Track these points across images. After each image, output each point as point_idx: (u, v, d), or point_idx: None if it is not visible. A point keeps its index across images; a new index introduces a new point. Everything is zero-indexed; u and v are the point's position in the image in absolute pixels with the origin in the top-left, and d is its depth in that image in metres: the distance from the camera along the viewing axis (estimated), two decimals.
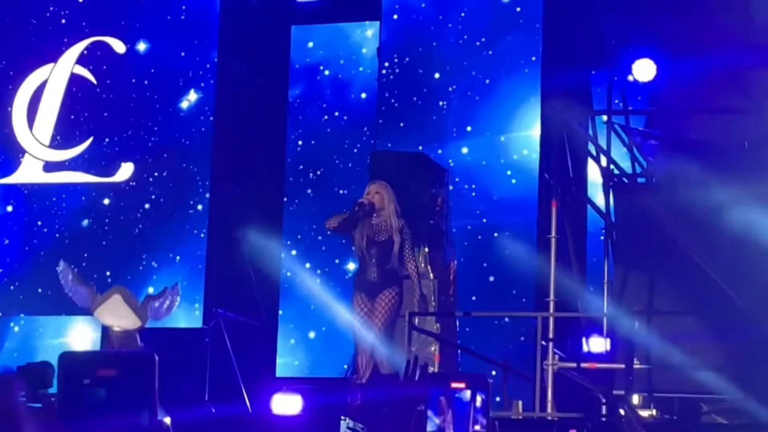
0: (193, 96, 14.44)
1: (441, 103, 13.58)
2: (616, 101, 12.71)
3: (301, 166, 14.67)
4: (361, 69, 14.66)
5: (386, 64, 13.79)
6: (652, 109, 12.65)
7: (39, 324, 12.98)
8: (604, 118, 12.31)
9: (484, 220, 13.17)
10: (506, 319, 12.39)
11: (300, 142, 14.74)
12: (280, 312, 14.20)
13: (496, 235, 13.13)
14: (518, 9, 13.41)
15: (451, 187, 12.92)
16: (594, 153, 12.43)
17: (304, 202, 14.56)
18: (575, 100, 12.43)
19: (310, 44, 14.80)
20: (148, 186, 14.33)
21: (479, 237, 13.18)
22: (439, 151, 13.34)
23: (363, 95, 14.58)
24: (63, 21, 14.86)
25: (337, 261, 14.12)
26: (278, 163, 14.65)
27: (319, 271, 14.08)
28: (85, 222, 14.37)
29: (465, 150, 13.40)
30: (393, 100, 13.77)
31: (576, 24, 12.66)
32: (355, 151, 14.29)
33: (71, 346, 12.46)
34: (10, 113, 14.79)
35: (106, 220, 14.36)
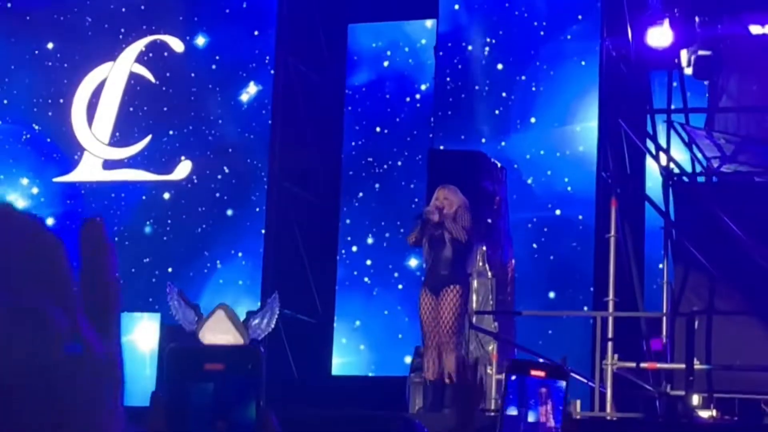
0: (252, 89, 14.50)
1: (503, 94, 13.56)
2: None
3: (369, 158, 14.58)
4: (422, 60, 14.59)
5: (457, 49, 13.67)
6: (712, 107, 12.57)
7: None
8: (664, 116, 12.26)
9: (558, 212, 13.13)
10: (591, 320, 12.29)
11: (360, 138, 14.71)
12: (357, 323, 14.14)
13: (563, 228, 13.12)
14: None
15: (529, 180, 12.90)
16: (653, 151, 12.38)
17: (366, 197, 14.52)
18: (634, 98, 12.39)
19: (370, 35, 14.76)
20: (209, 182, 14.41)
21: (545, 229, 13.17)
22: (503, 144, 13.34)
23: (424, 87, 14.49)
24: (120, 17, 14.97)
25: (397, 259, 14.13)
26: (337, 157, 14.64)
27: (392, 270, 14.03)
28: (146, 220, 14.47)
29: (530, 142, 13.37)
30: (456, 92, 13.72)
31: (633, 20, 12.60)
32: (432, 138, 14.05)
33: (136, 343, 12.57)
34: (69, 111, 14.92)
35: (168, 221, 14.43)
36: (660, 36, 11.98)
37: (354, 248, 14.33)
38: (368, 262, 14.23)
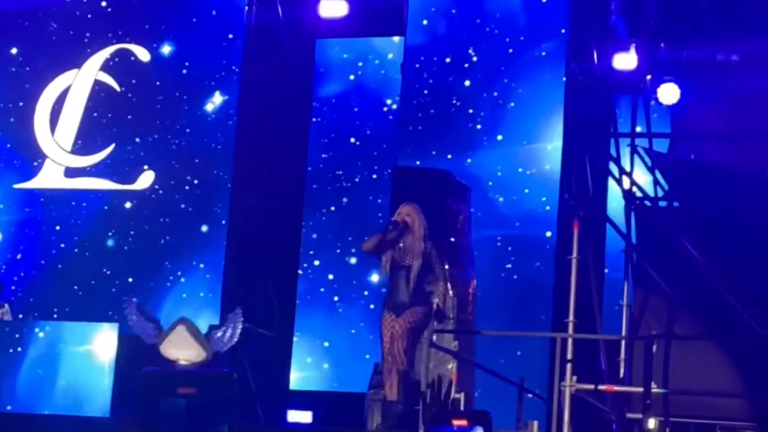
0: (218, 98, 14.53)
1: (471, 110, 13.67)
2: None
3: (338, 171, 14.56)
4: (390, 75, 14.59)
5: (427, 65, 13.78)
6: (675, 132, 12.76)
7: (64, 330, 13.08)
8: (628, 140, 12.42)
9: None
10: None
11: (327, 151, 14.70)
12: (326, 343, 14.09)
13: (528, 247, 13.24)
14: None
15: (501, 199, 12.97)
16: (616, 175, 12.53)
17: (333, 211, 14.54)
18: (599, 121, 12.54)
19: (338, 48, 14.80)
20: (173, 193, 14.41)
21: (509, 248, 13.26)
22: (469, 160, 13.43)
23: (390, 101, 14.53)
24: (86, 23, 14.96)
25: (361, 275, 14.16)
26: (300, 171, 14.66)
27: (357, 287, 14.06)
28: (108, 230, 14.44)
29: (496, 159, 13.48)
30: (424, 108, 13.80)
31: (600, 44, 12.77)
32: (398, 154, 14.05)
33: (96, 353, 12.56)
34: (30, 118, 14.89)
35: (131, 231, 14.39)
36: (625, 60, 12.15)
37: (316, 262, 14.37)
38: (330, 277, 14.28)
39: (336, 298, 14.10)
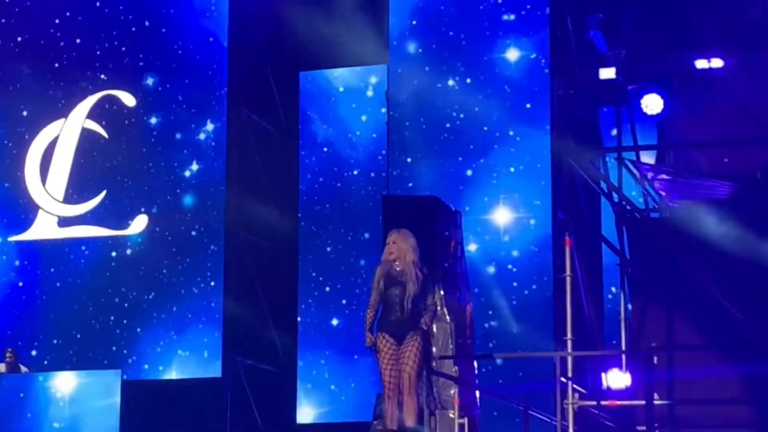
0: (210, 126, 14.70)
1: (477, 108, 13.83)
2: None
3: (329, 195, 14.71)
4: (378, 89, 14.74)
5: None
6: (662, 143, 13.01)
7: (67, 380, 13.21)
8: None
9: None
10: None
11: (319, 179, 14.85)
12: (329, 381, 14.26)
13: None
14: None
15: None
16: (606, 190, 12.79)
17: (326, 246, 14.67)
18: (585, 138, 12.80)
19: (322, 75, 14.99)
20: (170, 232, 14.53)
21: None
22: (481, 160, 13.63)
23: (383, 110, 14.67)
24: (62, 64, 15.13)
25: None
26: (294, 202, 14.83)
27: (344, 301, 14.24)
28: (107, 278, 14.59)
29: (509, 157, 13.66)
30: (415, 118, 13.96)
31: (580, 62, 13.03)
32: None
33: (106, 403, 12.71)
34: (21, 170, 15.09)
35: (131, 277, 14.47)
36: (607, 72, 12.43)
37: (327, 289, 14.50)
38: (344, 302, 14.44)
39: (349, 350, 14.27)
